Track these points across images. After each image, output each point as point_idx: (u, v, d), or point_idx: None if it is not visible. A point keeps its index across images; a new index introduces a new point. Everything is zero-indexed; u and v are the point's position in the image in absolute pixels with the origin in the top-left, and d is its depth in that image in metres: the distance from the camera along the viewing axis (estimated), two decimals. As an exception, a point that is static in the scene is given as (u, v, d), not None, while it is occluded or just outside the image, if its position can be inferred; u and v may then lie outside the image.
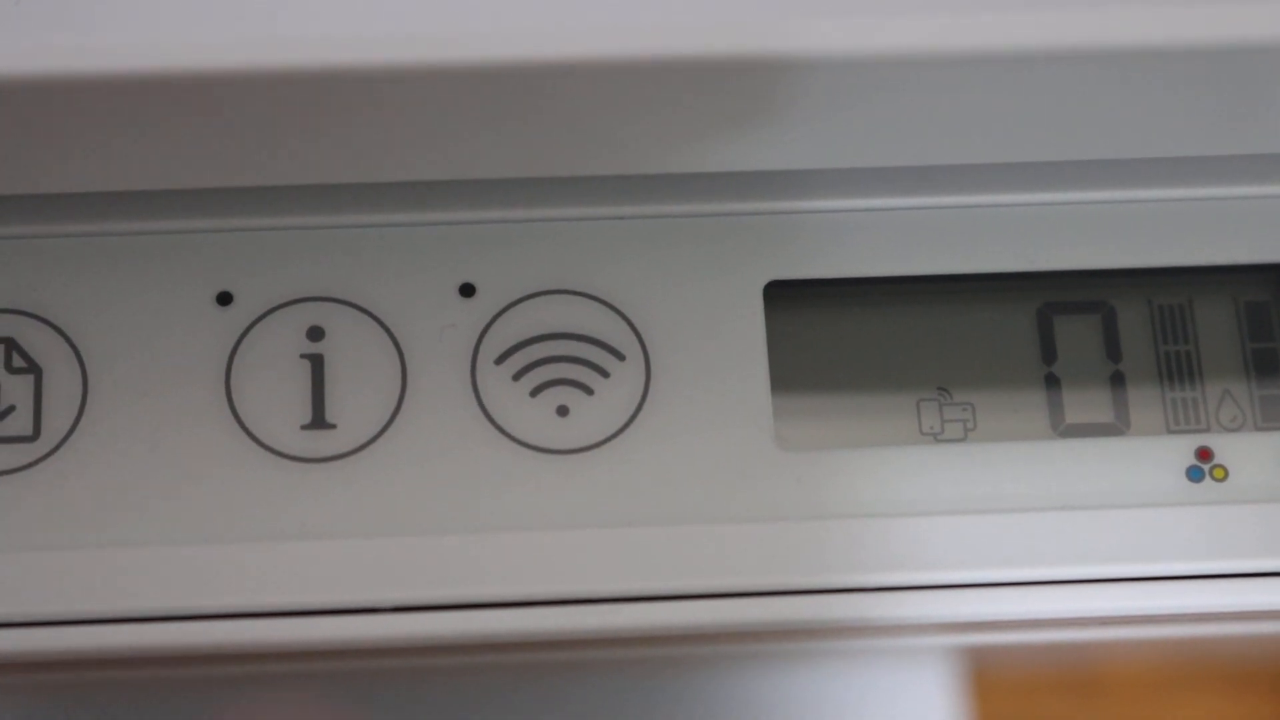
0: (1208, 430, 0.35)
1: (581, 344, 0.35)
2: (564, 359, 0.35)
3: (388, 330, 0.35)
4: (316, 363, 0.34)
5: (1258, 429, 0.35)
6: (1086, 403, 0.36)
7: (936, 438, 0.35)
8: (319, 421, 0.34)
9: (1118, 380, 0.36)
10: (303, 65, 0.28)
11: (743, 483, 0.34)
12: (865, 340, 0.36)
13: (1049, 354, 0.36)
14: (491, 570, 0.33)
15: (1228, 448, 0.35)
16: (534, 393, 0.34)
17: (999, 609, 0.33)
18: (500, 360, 0.35)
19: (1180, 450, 0.35)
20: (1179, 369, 0.36)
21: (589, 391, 0.35)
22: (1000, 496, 0.34)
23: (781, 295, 0.35)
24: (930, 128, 0.32)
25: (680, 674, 0.49)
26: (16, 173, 0.32)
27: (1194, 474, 0.35)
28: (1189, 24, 0.28)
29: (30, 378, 0.34)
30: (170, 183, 0.33)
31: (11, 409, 0.34)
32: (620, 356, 0.35)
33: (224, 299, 0.35)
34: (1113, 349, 0.36)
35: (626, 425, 0.34)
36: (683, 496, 0.34)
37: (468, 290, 0.35)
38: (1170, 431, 0.35)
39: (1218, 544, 0.34)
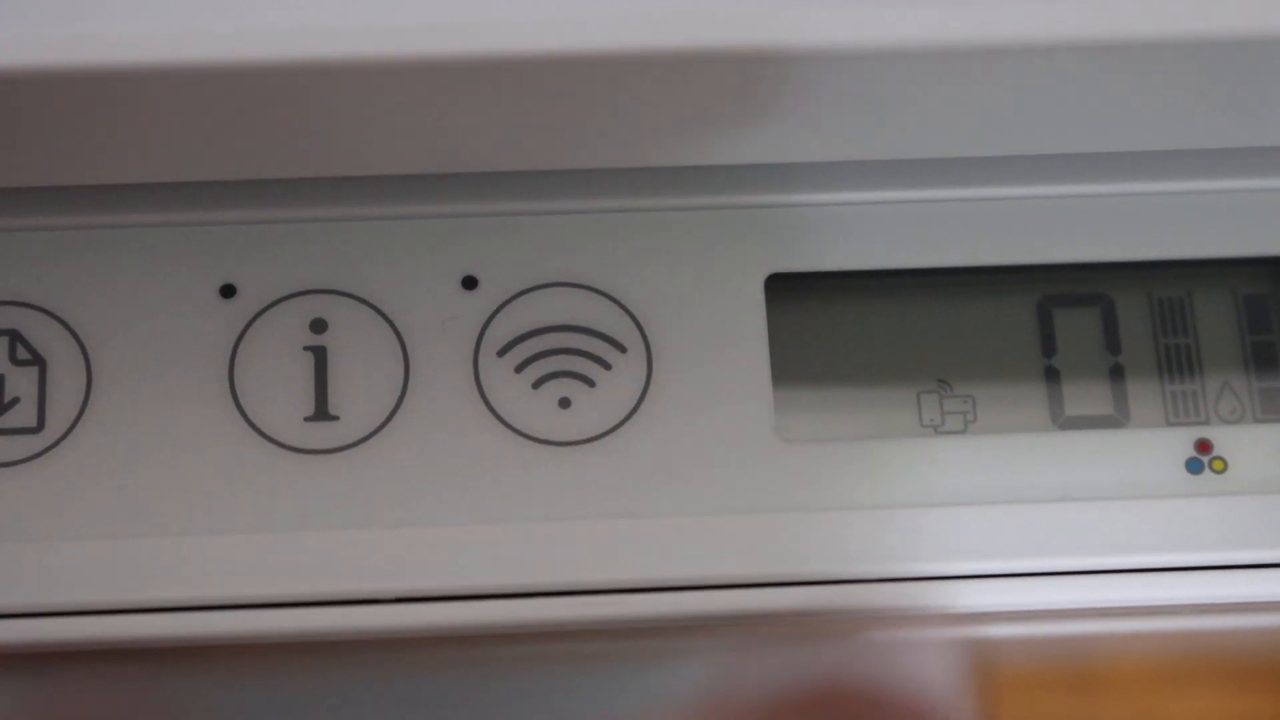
0: (1207, 423, 0.35)
1: (583, 336, 0.35)
2: (566, 351, 0.35)
3: (390, 323, 0.35)
4: (319, 355, 0.34)
5: (1257, 421, 0.35)
6: (1086, 395, 0.36)
7: (937, 430, 0.35)
8: (322, 413, 0.34)
9: (1117, 373, 0.36)
10: (304, 58, 0.28)
11: (744, 474, 0.34)
12: (866, 333, 0.36)
13: (1049, 347, 0.36)
14: (493, 561, 0.33)
15: (1227, 440, 0.35)
16: (536, 385, 0.35)
17: (999, 600, 0.33)
18: (502, 352, 0.35)
19: (1180, 442, 0.35)
20: (1178, 362, 0.36)
21: (591, 384, 0.35)
22: (1000, 488, 0.34)
23: (782, 288, 0.35)
24: (930, 121, 0.32)
25: (682, 667, 0.49)
26: (21, 166, 0.32)
27: (1193, 466, 0.35)
28: (1188, 16, 0.28)
29: (34, 370, 0.34)
30: (174, 175, 0.33)
31: (16, 401, 0.34)
32: (622, 349, 0.35)
33: (227, 291, 0.35)
34: (1112, 342, 0.36)
35: (628, 417, 0.34)
36: (684, 488, 0.34)
37: (470, 283, 0.35)
38: (1170, 424, 0.35)
39: (1217, 535, 0.34)
